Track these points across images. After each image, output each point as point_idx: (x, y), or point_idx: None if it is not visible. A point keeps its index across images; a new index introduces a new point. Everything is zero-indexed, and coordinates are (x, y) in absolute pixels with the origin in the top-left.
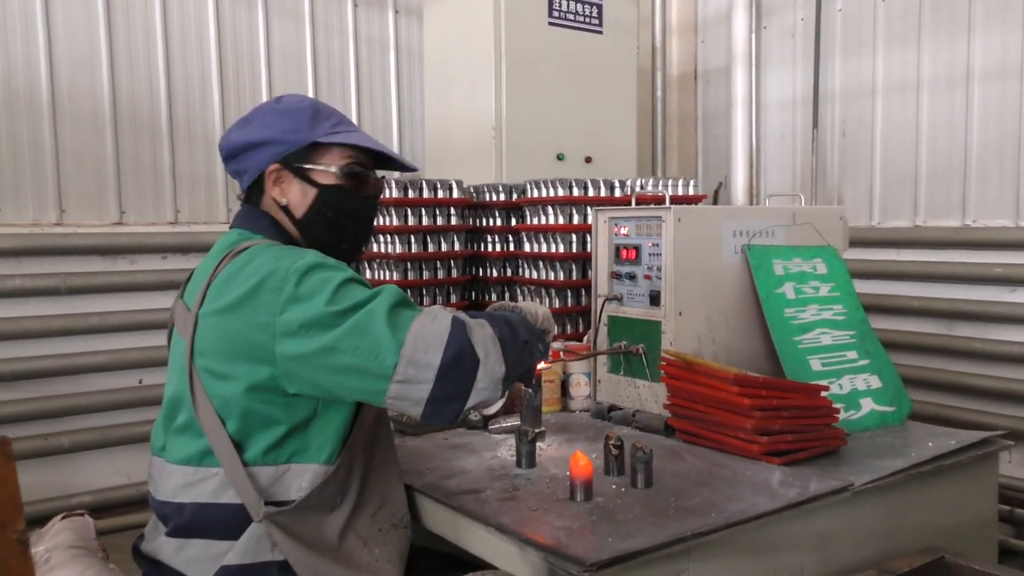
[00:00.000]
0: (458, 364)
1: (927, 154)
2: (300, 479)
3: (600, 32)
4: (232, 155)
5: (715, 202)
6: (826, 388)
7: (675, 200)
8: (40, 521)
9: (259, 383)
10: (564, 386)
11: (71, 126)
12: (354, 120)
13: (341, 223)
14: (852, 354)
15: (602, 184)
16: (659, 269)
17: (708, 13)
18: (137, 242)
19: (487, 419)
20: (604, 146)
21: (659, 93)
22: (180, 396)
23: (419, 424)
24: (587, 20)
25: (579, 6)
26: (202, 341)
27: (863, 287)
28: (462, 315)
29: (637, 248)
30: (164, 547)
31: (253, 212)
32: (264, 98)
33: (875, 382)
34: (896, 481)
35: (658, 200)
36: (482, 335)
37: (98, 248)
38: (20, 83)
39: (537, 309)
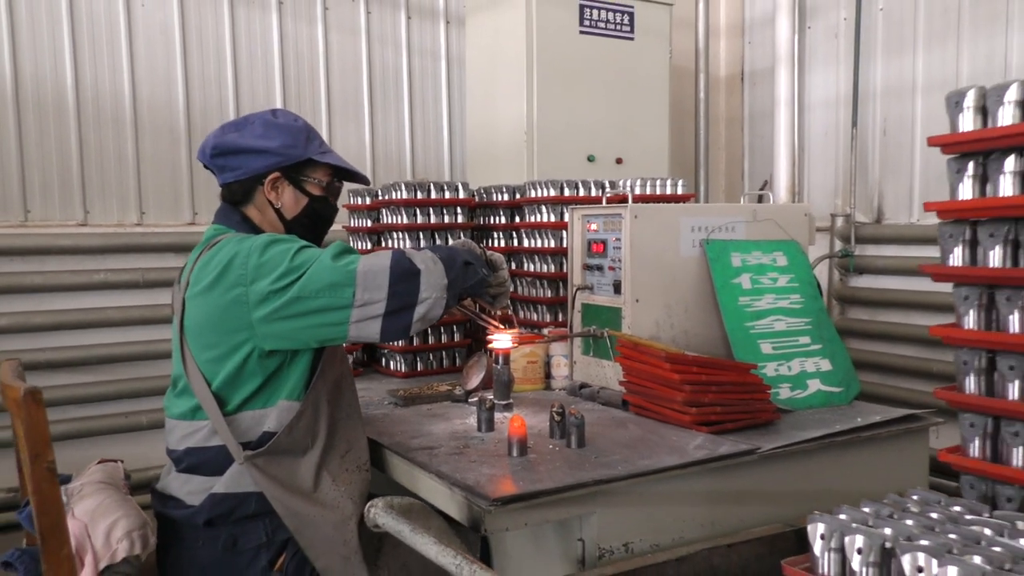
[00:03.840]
0: (403, 278)
1: None
2: (273, 415)
3: (632, 39)
4: (223, 153)
5: (760, 201)
6: (754, 366)
7: (660, 199)
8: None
9: (238, 347)
10: (548, 367)
11: (151, 137)
12: (406, 126)
13: (318, 225)
14: (805, 339)
15: (592, 184)
16: (620, 261)
17: (755, 14)
18: None
19: (468, 393)
20: (636, 148)
21: (701, 95)
22: (178, 366)
23: (407, 398)
24: (618, 27)
25: (610, 14)
26: (189, 319)
27: (906, 284)
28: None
29: (604, 242)
30: (173, 483)
31: (227, 210)
32: (324, 107)
33: (825, 365)
34: (808, 448)
35: (623, 199)
36: (422, 256)
37: (173, 246)
38: (107, 99)
39: (494, 253)
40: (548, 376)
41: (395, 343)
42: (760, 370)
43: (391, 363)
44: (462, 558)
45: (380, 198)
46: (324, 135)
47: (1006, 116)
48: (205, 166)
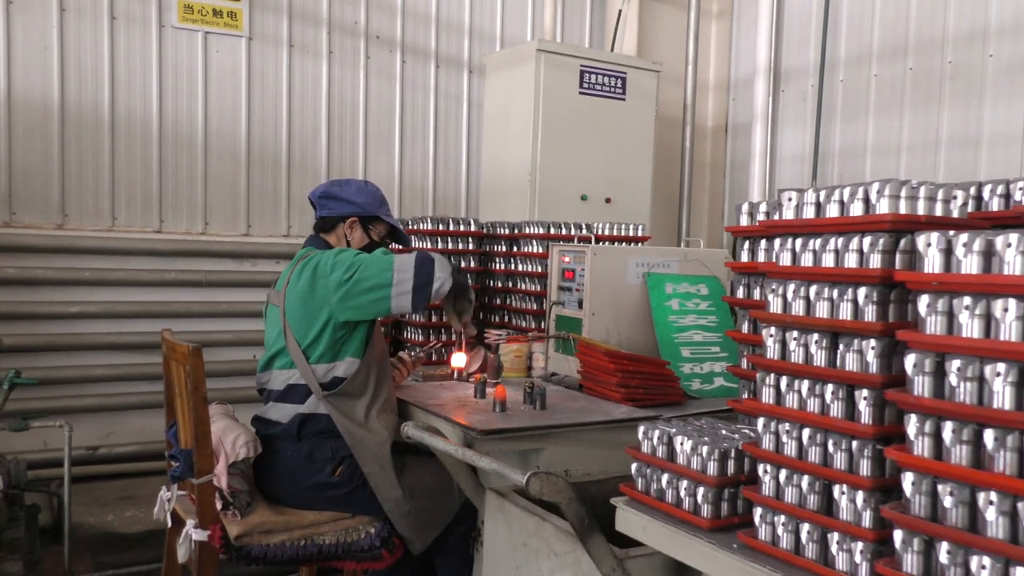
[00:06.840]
0: (422, 264)
1: None
2: (342, 366)
3: (623, 99)
4: (327, 197)
5: (734, 243)
6: (667, 363)
7: (625, 239)
8: None
9: (322, 320)
10: (531, 360)
11: (216, 161)
12: (431, 160)
13: None
14: (716, 348)
15: (572, 225)
16: (583, 285)
17: (739, 74)
18: (259, 250)
19: (469, 375)
20: (623, 189)
21: (687, 144)
22: (275, 337)
23: (426, 377)
24: (612, 90)
25: (606, 79)
26: (289, 304)
27: None
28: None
29: (573, 271)
30: (271, 411)
31: (315, 238)
32: (361, 142)
33: None
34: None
35: (588, 239)
36: (433, 254)
37: (231, 253)
38: (184, 128)
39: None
40: (530, 368)
41: (416, 336)
42: (679, 367)
43: (412, 353)
44: (457, 445)
45: (409, 227)
46: (360, 166)
47: (757, 218)
48: (311, 202)
